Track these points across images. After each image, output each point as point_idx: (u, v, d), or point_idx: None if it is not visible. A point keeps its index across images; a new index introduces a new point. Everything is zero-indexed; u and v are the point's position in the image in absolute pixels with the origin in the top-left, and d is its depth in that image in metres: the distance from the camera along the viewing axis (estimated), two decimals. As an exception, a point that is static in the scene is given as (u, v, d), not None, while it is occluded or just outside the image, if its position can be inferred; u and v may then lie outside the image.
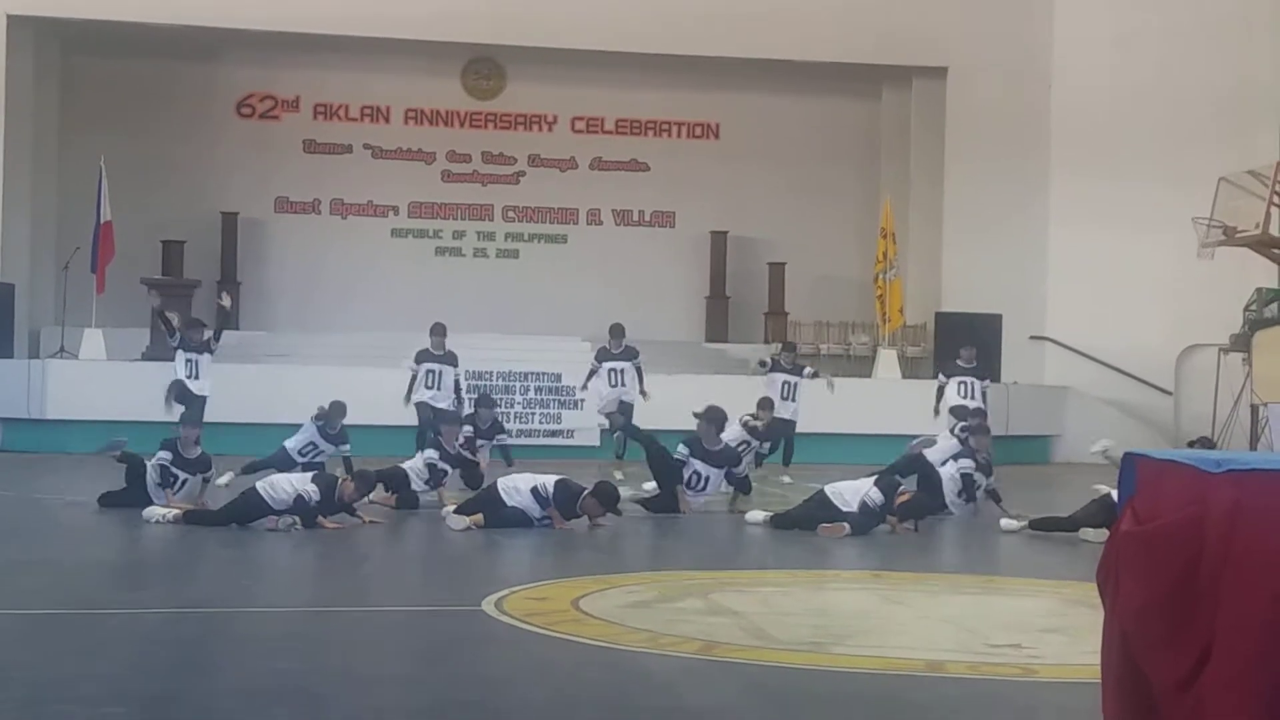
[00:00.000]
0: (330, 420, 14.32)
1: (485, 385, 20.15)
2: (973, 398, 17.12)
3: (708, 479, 13.04)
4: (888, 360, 22.24)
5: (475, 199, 25.82)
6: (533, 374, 20.40)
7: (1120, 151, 23.00)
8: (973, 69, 24.10)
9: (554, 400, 20.36)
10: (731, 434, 14.52)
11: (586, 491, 11.51)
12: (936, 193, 24.64)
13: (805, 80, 25.26)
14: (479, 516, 11.29)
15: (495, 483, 11.94)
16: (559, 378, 20.38)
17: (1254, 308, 21.27)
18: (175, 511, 11.38)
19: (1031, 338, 23.50)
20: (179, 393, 15.80)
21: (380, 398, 19.18)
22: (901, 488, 11.85)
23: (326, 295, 24.61)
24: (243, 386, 18.87)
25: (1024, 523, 12.11)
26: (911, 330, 24.22)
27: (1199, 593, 3.88)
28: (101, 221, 20.62)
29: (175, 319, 16.51)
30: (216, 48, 24.57)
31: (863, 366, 23.58)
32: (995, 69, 23.91)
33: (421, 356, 16.79)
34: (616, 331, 17.23)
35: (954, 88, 24.41)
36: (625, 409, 16.89)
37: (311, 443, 14.25)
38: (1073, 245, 23.33)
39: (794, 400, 17.04)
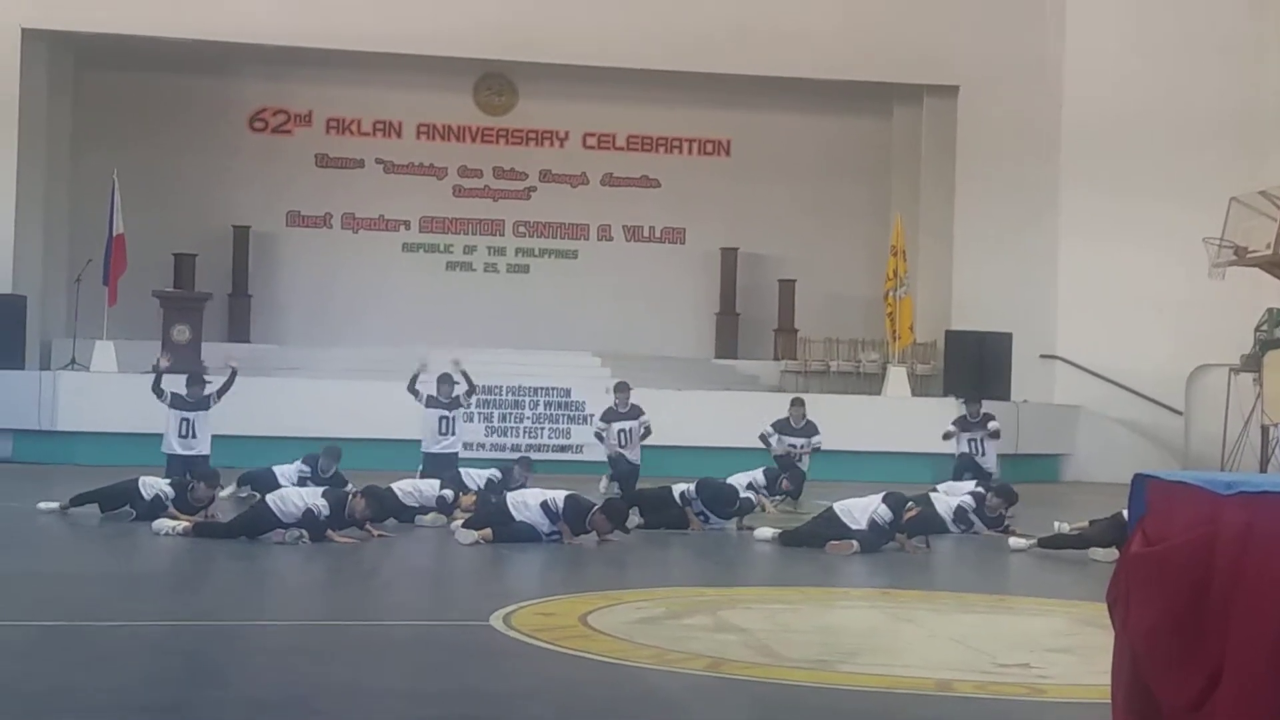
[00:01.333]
0: (324, 466, 14.17)
1: (494, 399, 20.16)
2: (984, 454, 16.53)
3: (719, 525, 13.01)
4: (897, 378, 22.20)
5: (486, 214, 25.86)
6: (542, 389, 20.41)
7: (1131, 170, 22.98)
8: (984, 87, 24.10)
9: (563, 415, 20.36)
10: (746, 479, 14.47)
11: (596, 508, 11.51)
12: (947, 211, 24.63)
13: (816, 98, 25.29)
14: (488, 531, 11.29)
15: (504, 497, 11.95)
16: (568, 393, 20.39)
17: (1265, 328, 21.22)
18: (184, 524, 11.39)
19: (1042, 356, 23.46)
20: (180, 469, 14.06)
21: (390, 412, 19.23)
22: (909, 504, 11.83)
23: (337, 309, 24.65)
24: (252, 400, 18.85)
25: (1032, 541, 12.08)
26: (921, 348, 24.19)
27: (1210, 614, 3.86)
28: (114, 234, 20.68)
29: (162, 372, 15.15)
30: (229, 62, 24.65)
31: (872, 384, 23.55)
32: (1006, 87, 23.91)
33: (431, 402, 16.13)
34: (622, 388, 16.80)
35: (965, 106, 24.42)
36: (632, 471, 16.37)
37: (306, 479, 14.03)
38: (1083, 264, 23.31)
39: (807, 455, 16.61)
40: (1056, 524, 13.08)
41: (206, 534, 11.24)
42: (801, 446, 16.65)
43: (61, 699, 5.59)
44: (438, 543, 11.68)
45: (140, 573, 9.99)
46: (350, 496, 11.38)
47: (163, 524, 11.39)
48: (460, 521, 11.82)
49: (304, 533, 10.84)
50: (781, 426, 16.90)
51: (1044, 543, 12.00)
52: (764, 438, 16.84)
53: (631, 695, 6.03)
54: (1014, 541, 12.20)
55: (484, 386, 20.04)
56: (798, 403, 17.36)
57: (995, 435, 16.73)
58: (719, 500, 13.03)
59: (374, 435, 18.38)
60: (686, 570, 11.02)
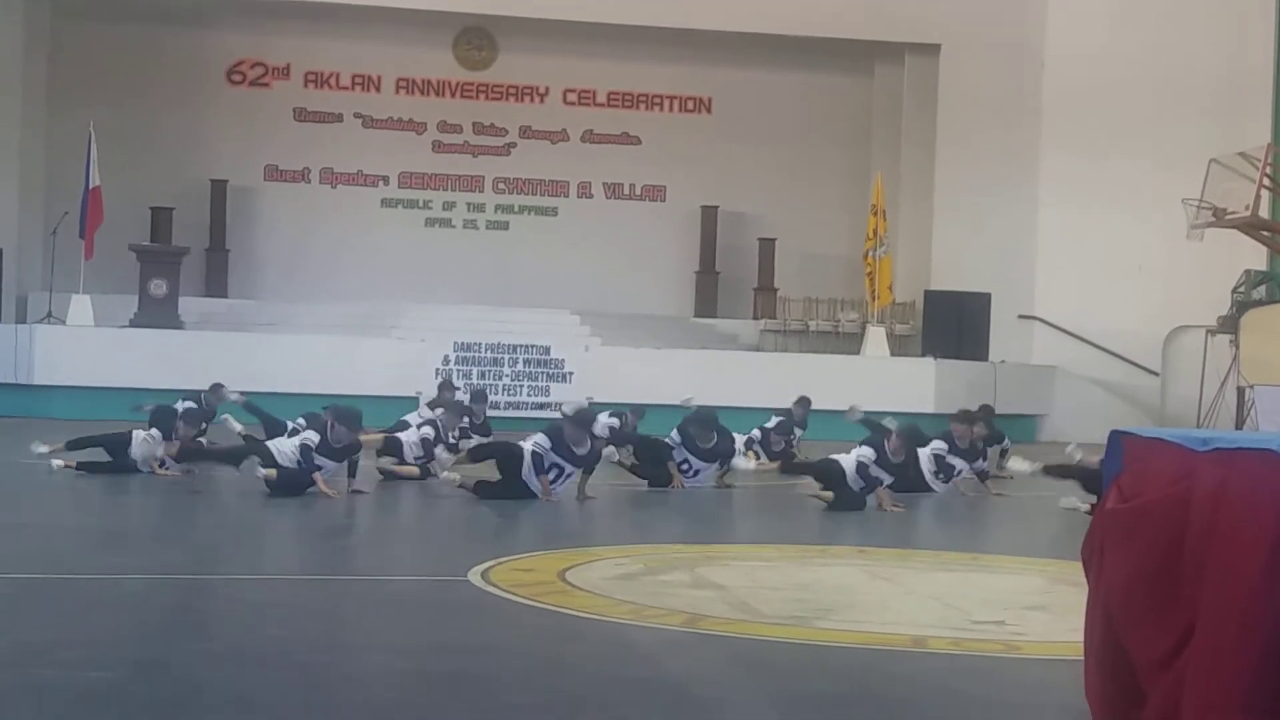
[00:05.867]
0: (335, 437, 13.91)
1: (473, 356, 20.16)
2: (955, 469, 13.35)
3: (699, 470, 13.00)
4: (876, 338, 22.25)
5: (466, 170, 25.75)
6: (521, 346, 20.40)
7: (1111, 132, 23.00)
8: (966, 47, 24.05)
9: (542, 373, 20.36)
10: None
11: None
12: (928, 171, 24.63)
13: (798, 55, 25.20)
14: (481, 467, 11.26)
15: (522, 449, 11.35)
16: (547, 350, 20.39)
17: (1242, 289, 21.33)
18: (169, 448, 11.61)
19: (1020, 317, 23.54)
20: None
21: (366, 368, 19.21)
22: (888, 430, 11.84)
23: (315, 264, 24.56)
24: (229, 354, 18.85)
25: (1037, 466, 11.95)
26: (900, 308, 24.24)
27: (1183, 571, 3.89)
28: (90, 187, 20.55)
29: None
30: (208, 14, 24.43)
31: (851, 343, 23.60)
32: (988, 47, 23.87)
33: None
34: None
35: (946, 65, 24.37)
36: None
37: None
38: (1062, 225, 23.36)
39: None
40: (1069, 449, 12.75)
41: (192, 457, 11.37)
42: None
43: (41, 653, 5.58)
44: (417, 498, 11.68)
45: (119, 526, 9.97)
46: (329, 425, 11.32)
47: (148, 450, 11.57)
48: (453, 460, 11.86)
49: (272, 472, 10.88)
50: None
51: (1049, 470, 11.81)
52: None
53: (609, 650, 6.06)
54: (1015, 464, 12.15)
55: (462, 343, 20.11)
56: (802, 401, 15.99)
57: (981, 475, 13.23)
58: (701, 425, 12.87)
59: (351, 391, 18.34)
60: (665, 527, 11.05)
